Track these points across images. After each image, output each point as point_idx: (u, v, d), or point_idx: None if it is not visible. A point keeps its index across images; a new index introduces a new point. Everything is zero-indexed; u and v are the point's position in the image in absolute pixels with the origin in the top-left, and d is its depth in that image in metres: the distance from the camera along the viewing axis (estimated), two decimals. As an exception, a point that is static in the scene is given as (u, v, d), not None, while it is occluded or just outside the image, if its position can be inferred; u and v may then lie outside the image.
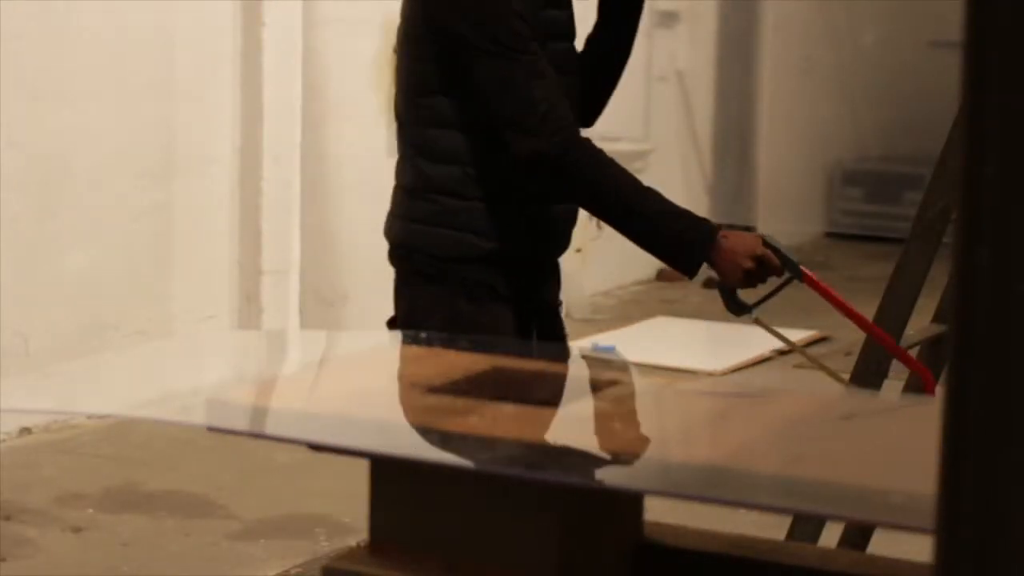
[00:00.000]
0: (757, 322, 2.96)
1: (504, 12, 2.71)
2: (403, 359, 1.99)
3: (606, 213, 2.82)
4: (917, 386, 3.24)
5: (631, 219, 2.77)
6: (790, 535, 2.99)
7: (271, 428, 1.92)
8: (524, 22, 2.73)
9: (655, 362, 6.04)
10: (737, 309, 2.88)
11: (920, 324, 3.31)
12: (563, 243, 3.01)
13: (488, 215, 2.83)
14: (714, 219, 9.67)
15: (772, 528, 2.70)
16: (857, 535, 3.08)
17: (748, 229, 2.96)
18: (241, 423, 1.91)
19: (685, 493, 1.59)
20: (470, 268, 2.83)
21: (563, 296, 3.11)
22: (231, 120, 6.13)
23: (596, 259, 7.65)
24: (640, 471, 1.58)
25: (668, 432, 1.76)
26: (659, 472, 1.59)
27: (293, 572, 4.23)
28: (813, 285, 2.86)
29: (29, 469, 5.03)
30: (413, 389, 1.74)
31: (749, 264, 2.77)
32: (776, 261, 2.82)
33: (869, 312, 3.14)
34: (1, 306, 5.29)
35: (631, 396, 1.79)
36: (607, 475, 1.55)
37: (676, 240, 2.76)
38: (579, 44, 2.98)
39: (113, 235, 5.73)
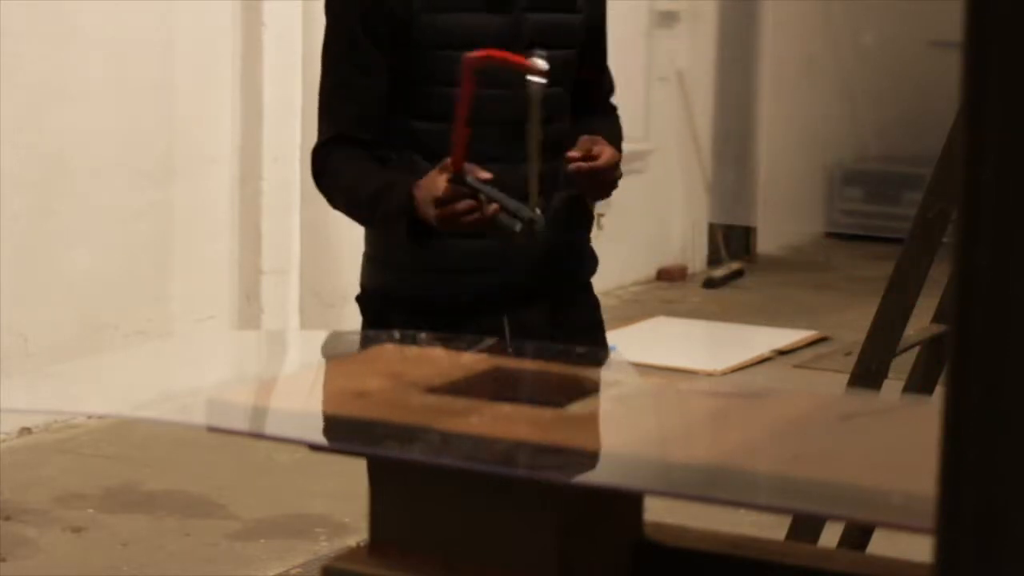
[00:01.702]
0: (538, 223, 2.48)
1: (333, 20, 2.65)
2: (403, 359, 1.99)
3: (349, 214, 2.68)
4: (918, 386, 3.24)
5: (358, 212, 2.66)
6: (790, 535, 2.99)
7: (271, 428, 1.92)
8: (346, 28, 2.61)
9: (655, 362, 6.04)
10: (527, 235, 2.47)
11: (920, 324, 3.31)
12: (478, 286, 2.65)
13: (388, 244, 2.70)
14: (714, 219, 9.65)
15: (772, 528, 2.70)
16: (857, 535, 3.08)
17: None
18: (241, 423, 1.91)
19: (685, 493, 1.59)
20: (373, 300, 2.72)
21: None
22: (231, 120, 6.13)
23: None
24: (640, 471, 1.58)
25: (668, 432, 1.76)
26: (659, 472, 1.59)
27: (293, 572, 4.24)
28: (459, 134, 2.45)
29: (29, 469, 5.04)
30: (413, 389, 1.74)
31: (432, 212, 2.46)
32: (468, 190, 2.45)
33: (869, 314, 3.13)
34: (1, 306, 5.29)
35: (631, 396, 1.79)
36: (607, 475, 1.55)
37: (385, 218, 2.58)
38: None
39: (113, 235, 5.73)
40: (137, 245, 5.84)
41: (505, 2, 2.62)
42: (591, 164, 2.55)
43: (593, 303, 2.86)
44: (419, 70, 2.60)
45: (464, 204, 2.43)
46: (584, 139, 2.60)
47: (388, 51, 2.59)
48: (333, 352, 2.09)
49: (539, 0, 2.66)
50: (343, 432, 1.74)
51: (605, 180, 2.61)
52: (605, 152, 2.58)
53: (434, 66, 2.60)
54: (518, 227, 2.44)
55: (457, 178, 2.43)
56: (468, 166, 2.45)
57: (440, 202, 2.44)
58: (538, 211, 2.47)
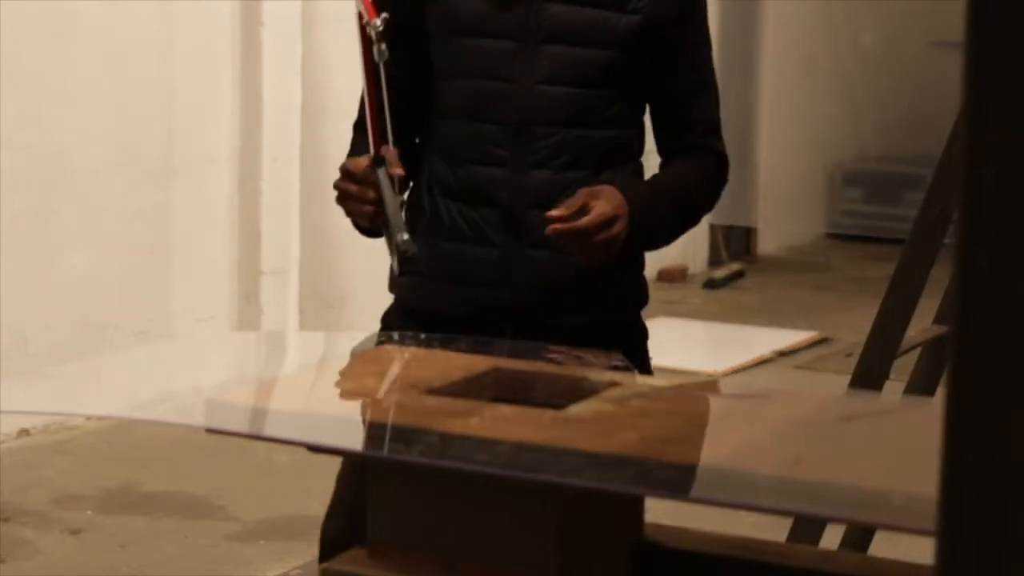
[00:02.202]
0: (405, 249, 2.21)
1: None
2: (403, 360, 1.98)
3: None
4: (919, 388, 3.24)
5: None
6: (791, 536, 2.99)
7: (270, 429, 1.91)
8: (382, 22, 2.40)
9: (655, 363, 6.03)
10: (401, 261, 2.23)
11: (922, 325, 3.31)
12: (480, 299, 2.41)
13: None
14: (714, 220, 9.66)
15: (773, 529, 2.70)
16: (858, 537, 3.08)
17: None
18: (240, 424, 1.91)
19: (686, 494, 1.59)
20: (393, 312, 2.56)
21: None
22: (231, 120, 6.13)
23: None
24: (641, 472, 1.58)
25: (669, 433, 1.76)
26: (660, 473, 1.59)
27: (292, 574, 4.23)
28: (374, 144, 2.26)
29: (28, 471, 5.03)
30: (413, 391, 1.74)
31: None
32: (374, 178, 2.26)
33: (870, 315, 3.13)
34: (0, 306, 5.29)
35: (631, 397, 1.78)
36: (607, 476, 1.55)
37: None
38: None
39: (113, 235, 5.72)
40: (137, 245, 5.83)
41: None
42: (568, 225, 2.23)
43: (635, 335, 2.57)
44: (436, 62, 2.44)
45: (356, 188, 2.27)
46: (582, 192, 2.29)
47: (409, 42, 2.42)
48: (333, 353, 2.08)
49: None
50: (343, 433, 1.74)
51: (588, 243, 2.26)
52: (596, 209, 2.25)
53: (445, 57, 2.44)
54: (392, 252, 2.23)
55: (377, 161, 2.25)
56: (391, 156, 2.25)
57: (342, 172, 2.31)
58: (406, 236, 2.20)
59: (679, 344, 7.26)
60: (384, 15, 2.20)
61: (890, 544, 1.91)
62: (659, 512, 1.73)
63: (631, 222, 2.29)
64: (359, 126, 2.52)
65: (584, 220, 2.23)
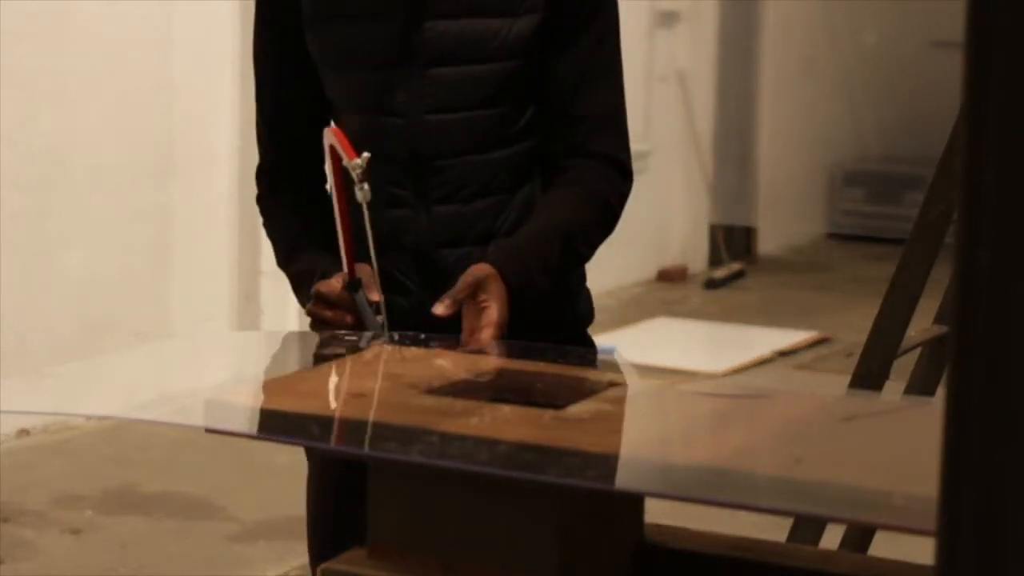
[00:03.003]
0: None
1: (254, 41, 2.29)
2: (402, 361, 1.98)
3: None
4: (919, 388, 3.24)
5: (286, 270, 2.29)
6: (791, 537, 2.99)
7: (270, 429, 1.91)
8: (262, 49, 2.26)
9: (655, 363, 6.03)
10: None
11: (922, 325, 3.31)
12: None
13: None
14: (715, 220, 9.61)
15: (773, 530, 2.70)
16: (858, 537, 3.08)
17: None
18: (240, 424, 1.91)
19: (685, 494, 1.59)
20: None
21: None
22: (231, 120, 6.13)
23: (596, 259, 7.64)
24: (640, 472, 1.58)
25: (669, 433, 1.76)
26: (660, 473, 1.59)
27: (292, 574, 4.23)
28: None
29: (27, 471, 5.03)
30: (412, 390, 1.74)
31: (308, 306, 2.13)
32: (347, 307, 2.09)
33: (870, 315, 3.12)
34: (0, 306, 5.29)
35: (631, 397, 1.78)
36: (607, 476, 1.55)
37: (295, 288, 2.24)
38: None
39: (112, 235, 5.72)
40: (136, 245, 5.84)
41: (393, 10, 2.14)
42: (468, 348, 2.03)
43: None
44: (327, 94, 2.22)
45: (332, 314, 2.08)
46: (465, 282, 2.05)
47: (300, 73, 2.23)
48: (333, 353, 2.08)
49: (448, 5, 2.14)
50: (342, 434, 1.74)
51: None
52: (489, 313, 2.03)
53: (332, 90, 2.22)
54: None
55: (353, 285, 2.08)
56: (366, 278, 2.08)
57: (315, 296, 2.10)
58: None
59: (679, 344, 7.27)
60: (366, 155, 2.01)
61: (890, 544, 1.91)
62: (659, 512, 1.73)
63: (511, 302, 2.07)
64: (266, 175, 2.34)
65: (484, 340, 2.02)
